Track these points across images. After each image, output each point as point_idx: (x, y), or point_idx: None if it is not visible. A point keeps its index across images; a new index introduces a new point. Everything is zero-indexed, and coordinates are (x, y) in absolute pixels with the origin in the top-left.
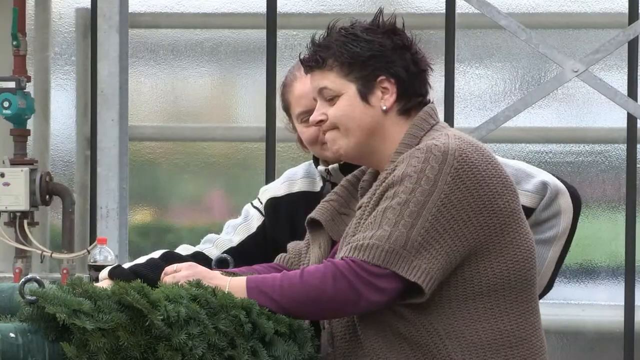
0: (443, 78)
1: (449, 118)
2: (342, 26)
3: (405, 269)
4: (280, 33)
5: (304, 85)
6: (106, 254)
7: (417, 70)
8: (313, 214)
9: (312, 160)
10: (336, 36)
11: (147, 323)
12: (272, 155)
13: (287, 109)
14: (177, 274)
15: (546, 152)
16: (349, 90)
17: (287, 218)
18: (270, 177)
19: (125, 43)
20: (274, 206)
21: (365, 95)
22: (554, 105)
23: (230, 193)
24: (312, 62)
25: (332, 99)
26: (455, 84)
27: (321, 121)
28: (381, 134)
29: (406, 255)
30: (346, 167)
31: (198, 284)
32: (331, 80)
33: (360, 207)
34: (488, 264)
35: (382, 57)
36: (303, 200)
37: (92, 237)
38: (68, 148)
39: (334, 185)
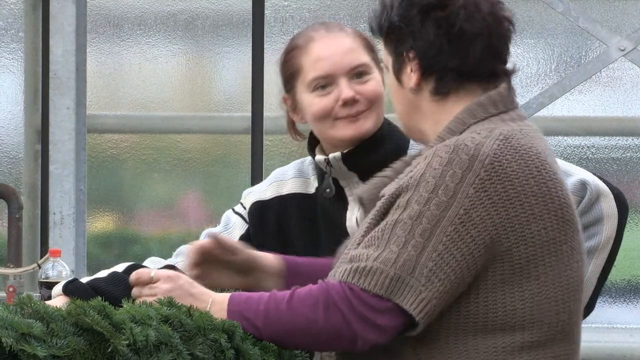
0: None
1: None
2: None
3: (410, 301)
4: (268, 4)
5: (324, 46)
6: (60, 268)
7: (450, 37)
8: (359, 191)
9: (303, 159)
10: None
11: (109, 349)
12: (259, 150)
13: (292, 76)
14: (154, 287)
15: (587, 147)
16: (388, 65)
17: (275, 225)
18: (256, 176)
19: (83, 15)
20: (259, 211)
21: (396, 72)
22: (596, 90)
23: (208, 196)
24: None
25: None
26: None
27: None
28: (422, 118)
29: (414, 284)
30: (349, 156)
31: (170, 302)
32: (384, 54)
33: (380, 198)
34: (500, 296)
35: (402, 28)
36: (294, 204)
37: (44, 248)
38: (14, 142)
39: (334, 180)
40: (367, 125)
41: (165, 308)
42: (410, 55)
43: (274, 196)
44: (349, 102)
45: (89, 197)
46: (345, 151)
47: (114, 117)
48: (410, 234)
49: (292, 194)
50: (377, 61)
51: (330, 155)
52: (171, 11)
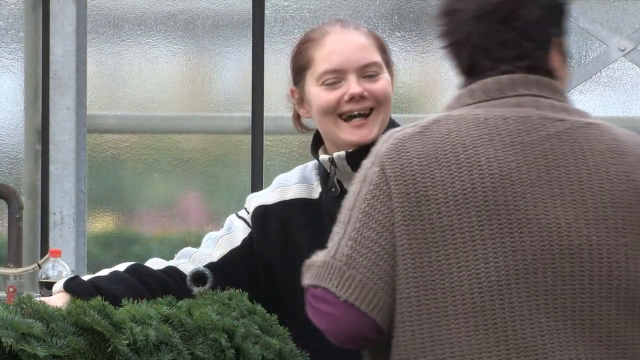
0: None
1: None
2: None
3: (335, 283)
4: (268, 4)
5: (338, 40)
6: (60, 268)
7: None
8: None
9: (305, 165)
10: None
11: (109, 349)
12: (259, 150)
13: (303, 68)
14: None
15: None
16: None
17: (278, 230)
18: (256, 176)
19: (84, 16)
20: (263, 215)
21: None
22: (596, 90)
23: (208, 196)
24: None
25: None
26: None
27: None
28: None
29: (336, 265)
30: (353, 156)
31: (170, 302)
32: None
33: None
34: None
35: None
36: (298, 209)
37: (44, 248)
38: (14, 142)
39: (339, 182)
40: (373, 133)
41: (166, 308)
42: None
43: (277, 201)
44: (355, 98)
45: (89, 197)
46: (349, 150)
47: (114, 117)
48: (338, 225)
49: (296, 199)
50: (388, 63)
51: (335, 154)
52: (171, 11)
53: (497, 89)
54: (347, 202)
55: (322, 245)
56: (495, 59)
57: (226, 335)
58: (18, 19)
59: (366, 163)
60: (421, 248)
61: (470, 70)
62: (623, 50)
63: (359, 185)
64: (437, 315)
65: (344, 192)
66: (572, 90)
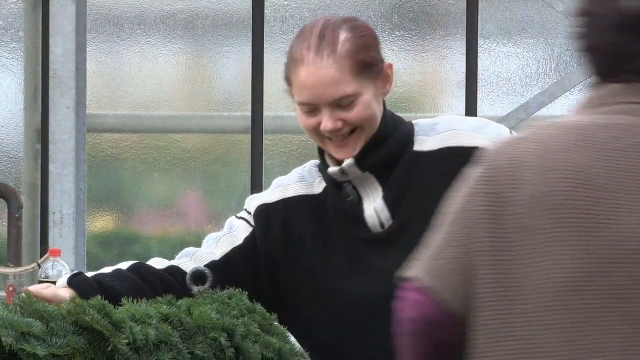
0: (464, 57)
1: (472, 105)
2: None
3: (422, 272)
4: (268, 4)
5: (309, 75)
6: (60, 268)
7: None
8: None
9: (303, 167)
10: None
11: (109, 348)
12: (259, 150)
13: (288, 81)
14: None
15: None
16: None
17: (281, 227)
18: (256, 176)
19: (83, 15)
20: (265, 214)
21: None
22: None
23: (208, 195)
24: None
25: None
26: (479, 64)
27: None
28: None
29: (423, 257)
30: (362, 159)
31: (170, 301)
32: None
33: None
34: None
35: None
36: (301, 206)
37: (44, 248)
38: (14, 141)
39: (354, 187)
40: (356, 150)
41: (165, 307)
42: None
43: (279, 199)
44: (330, 132)
45: (89, 196)
46: (355, 155)
47: (114, 116)
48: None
49: (299, 195)
50: (370, 76)
51: (345, 165)
52: (171, 11)
53: (611, 95)
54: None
55: (327, 241)
56: (627, 71)
57: (226, 335)
58: (18, 18)
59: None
60: (500, 247)
61: (601, 77)
62: None
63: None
64: (508, 312)
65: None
66: (572, 90)
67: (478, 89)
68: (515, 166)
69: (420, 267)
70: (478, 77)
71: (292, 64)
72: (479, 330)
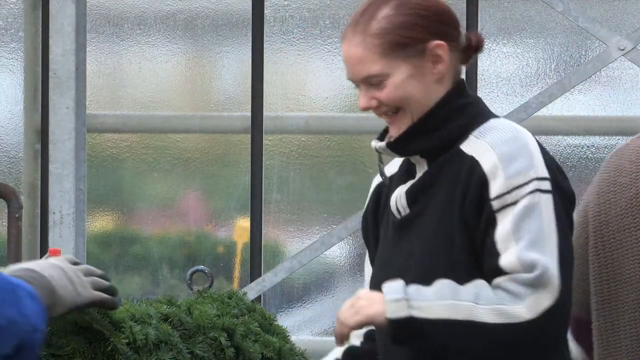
0: None
1: None
2: None
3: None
4: (268, 3)
5: (344, 52)
6: None
7: None
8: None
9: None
10: None
11: (109, 348)
12: (259, 150)
13: None
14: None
15: (587, 146)
16: None
17: (373, 208)
18: (256, 176)
19: (83, 15)
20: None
21: None
22: (596, 90)
23: (208, 195)
24: None
25: None
26: (479, 64)
27: None
28: None
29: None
30: (397, 144)
31: (170, 301)
32: None
33: None
34: None
35: None
36: (385, 191)
37: (43, 247)
38: (14, 141)
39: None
40: (401, 129)
41: (165, 307)
42: None
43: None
44: (365, 110)
45: (88, 196)
46: (391, 140)
47: (114, 116)
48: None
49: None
50: (405, 56)
51: (377, 145)
52: (171, 11)
53: None
54: None
55: (381, 216)
56: None
57: (226, 334)
58: (17, 18)
59: None
60: (605, 246)
61: None
62: (623, 50)
63: None
64: (613, 302)
65: (412, 167)
66: (572, 90)
67: (478, 89)
68: (615, 174)
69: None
70: (477, 77)
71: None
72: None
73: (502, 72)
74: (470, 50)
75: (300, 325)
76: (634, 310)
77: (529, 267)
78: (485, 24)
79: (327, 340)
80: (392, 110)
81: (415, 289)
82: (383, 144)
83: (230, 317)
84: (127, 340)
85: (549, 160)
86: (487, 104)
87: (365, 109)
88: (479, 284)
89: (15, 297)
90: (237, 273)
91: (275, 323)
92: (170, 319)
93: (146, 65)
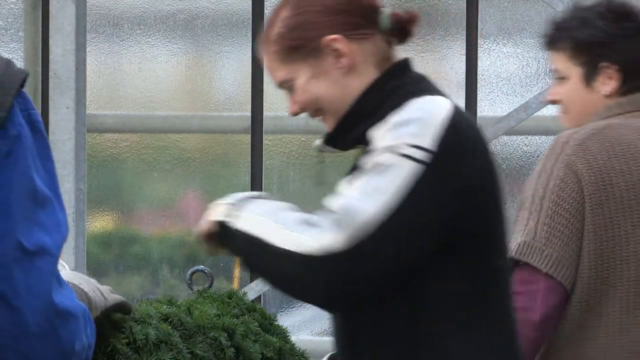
0: (464, 57)
1: (471, 104)
2: (580, 7)
3: (537, 259)
4: (268, 4)
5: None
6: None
7: None
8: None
9: None
10: (568, 19)
11: (109, 348)
12: (259, 150)
13: None
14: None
15: None
16: (574, 74)
17: None
18: (256, 176)
19: (83, 15)
20: None
21: (588, 79)
22: None
23: (208, 195)
24: (546, 40)
25: (562, 79)
26: (479, 64)
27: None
28: (589, 115)
29: (537, 245)
30: (326, 140)
31: (170, 301)
32: (559, 62)
33: None
34: None
35: (604, 44)
36: None
37: None
38: None
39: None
40: (329, 125)
41: (165, 306)
42: (615, 67)
43: None
44: (293, 115)
45: (88, 196)
46: (326, 135)
47: (114, 116)
48: (526, 210)
49: None
50: (301, 58)
51: (315, 143)
52: (171, 11)
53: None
54: (535, 192)
55: None
56: None
57: (226, 334)
58: (17, 18)
59: (548, 161)
60: (604, 226)
61: (630, 86)
62: None
63: (546, 179)
64: (610, 279)
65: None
66: None
67: (478, 89)
68: (606, 157)
69: (530, 252)
70: (477, 77)
71: None
72: (580, 296)
73: (502, 72)
74: (403, 28)
75: (300, 325)
76: (626, 285)
77: (342, 207)
78: (485, 24)
79: (327, 340)
80: (314, 112)
81: (255, 201)
82: (318, 141)
83: (230, 317)
84: (127, 340)
85: (459, 142)
86: (488, 104)
87: (294, 115)
88: (297, 211)
89: (86, 320)
90: (237, 273)
91: (275, 323)
92: (170, 319)
93: (146, 65)
